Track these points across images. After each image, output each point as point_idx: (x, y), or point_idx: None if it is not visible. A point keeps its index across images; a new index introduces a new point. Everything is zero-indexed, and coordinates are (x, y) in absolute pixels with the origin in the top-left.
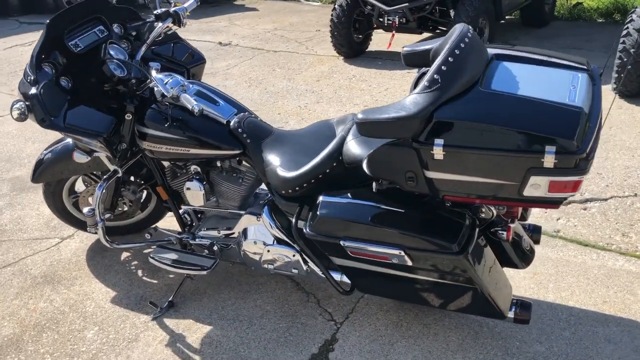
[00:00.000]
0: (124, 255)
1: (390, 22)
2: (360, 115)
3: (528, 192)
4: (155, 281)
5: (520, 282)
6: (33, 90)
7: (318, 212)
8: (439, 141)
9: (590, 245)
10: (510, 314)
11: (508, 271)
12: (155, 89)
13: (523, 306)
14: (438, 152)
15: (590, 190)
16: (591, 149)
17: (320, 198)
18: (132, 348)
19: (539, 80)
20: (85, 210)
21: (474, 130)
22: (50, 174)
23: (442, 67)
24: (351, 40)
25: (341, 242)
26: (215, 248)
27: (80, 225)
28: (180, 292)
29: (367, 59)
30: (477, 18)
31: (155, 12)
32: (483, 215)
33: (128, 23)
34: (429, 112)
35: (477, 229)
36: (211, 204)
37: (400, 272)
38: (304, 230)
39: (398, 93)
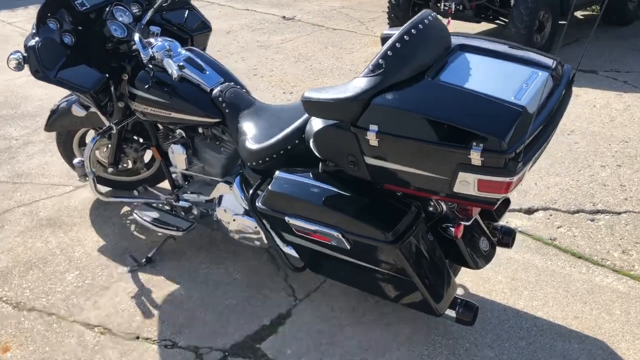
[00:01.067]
0: (125, 209)
1: (447, 8)
2: (305, 94)
3: (458, 188)
4: (143, 237)
5: (495, 286)
6: (32, 43)
7: (269, 187)
8: (373, 127)
9: (584, 258)
10: (452, 313)
11: (485, 271)
12: (141, 51)
13: (467, 307)
14: (372, 138)
15: (605, 201)
16: (527, 152)
17: (276, 173)
18: (101, 295)
19: (493, 74)
20: (75, 160)
21: (408, 119)
22: (60, 125)
23: (388, 52)
24: None
25: (286, 219)
26: (195, 212)
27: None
28: (161, 251)
29: None
30: (537, 11)
31: None
32: (431, 209)
33: None
34: (368, 97)
35: (420, 222)
36: (196, 169)
37: (340, 255)
38: (257, 203)
39: None
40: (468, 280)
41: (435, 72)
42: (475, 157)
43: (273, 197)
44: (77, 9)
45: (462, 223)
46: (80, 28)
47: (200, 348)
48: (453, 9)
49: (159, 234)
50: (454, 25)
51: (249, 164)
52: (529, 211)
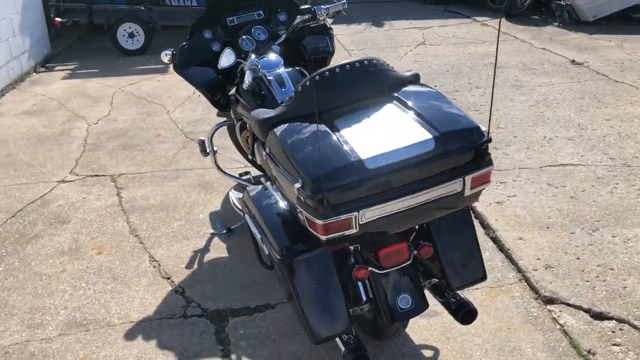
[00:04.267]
0: None
1: None
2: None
3: (302, 219)
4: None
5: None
6: (181, 45)
7: None
8: (267, 148)
9: None
10: (342, 346)
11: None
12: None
13: (354, 349)
14: (263, 156)
15: None
16: (356, 205)
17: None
18: (180, 242)
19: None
20: (199, 139)
21: (280, 150)
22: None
23: (299, 87)
24: None
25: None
26: None
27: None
28: (241, 228)
29: None
30: None
31: (301, 7)
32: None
33: (290, 12)
34: (270, 124)
35: (322, 249)
36: None
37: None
38: None
39: None
40: None
41: (334, 116)
42: (296, 192)
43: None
44: (226, 24)
45: (363, 266)
46: (229, 39)
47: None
48: None
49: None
50: None
51: None
52: (598, 316)
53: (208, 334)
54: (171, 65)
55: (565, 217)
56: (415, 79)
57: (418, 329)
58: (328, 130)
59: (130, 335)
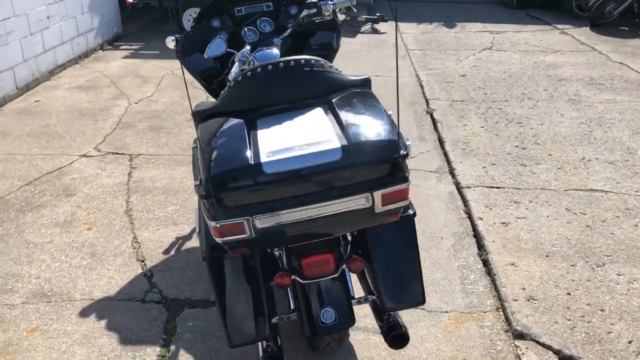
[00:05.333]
0: None
1: None
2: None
3: None
4: None
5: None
6: (186, 32)
7: None
8: (196, 140)
9: None
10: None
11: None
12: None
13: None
14: (194, 148)
15: None
16: (256, 209)
17: None
18: (158, 226)
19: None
20: None
21: (197, 144)
22: None
23: (231, 83)
24: None
25: None
26: None
27: None
28: None
29: None
30: None
31: (308, 0)
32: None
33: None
34: (202, 117)
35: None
36: None
37: None
38: None
39: None
40: None
41: (262, 115)
42: (195, 190)
43: None
44: (234, 14)
45: (286, 273)
46: (236, 30)
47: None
48: None
49: None
50: None
51: None
52: None
53: (158, 321)
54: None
55: (571, 247)
56: (363, 83)
57: (366, 346)
58: (244, 129)
59: (85, 312)
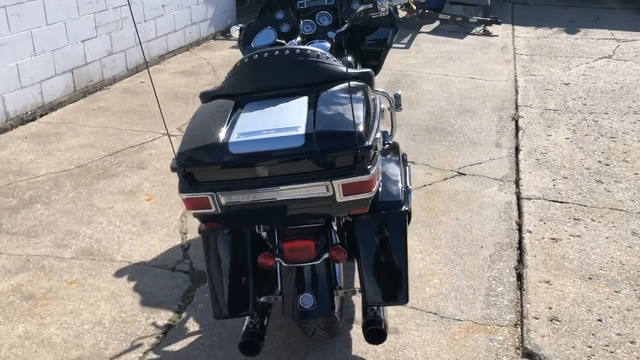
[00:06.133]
0: None
1: None
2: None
3: None
4: None
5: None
6: (250, 22)
7: None
8: None
9: None
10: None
11: None
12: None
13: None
14: None
15: None
16: (221, 186)
17: None
18: None
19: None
20: None
21: None
22: None
23: (233, 68)
24: None
25: None
26: None
27: None
28: None
29: None
30: None
31: None
32: None
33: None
34: (206, 98)
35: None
36: None
37: None
38: None
39: None
40: None
41: (254, 99)
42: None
43: None
44: (297, 7)
45: (270, 255)
46: (293, 23)
47: None
48: None
49: None
50: None
51: None
52: None
53: (180, 289)
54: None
55: (622, 273)
56: (362, 77)
57: (364, 341)
58: (230, 110)
59: (119, 273)
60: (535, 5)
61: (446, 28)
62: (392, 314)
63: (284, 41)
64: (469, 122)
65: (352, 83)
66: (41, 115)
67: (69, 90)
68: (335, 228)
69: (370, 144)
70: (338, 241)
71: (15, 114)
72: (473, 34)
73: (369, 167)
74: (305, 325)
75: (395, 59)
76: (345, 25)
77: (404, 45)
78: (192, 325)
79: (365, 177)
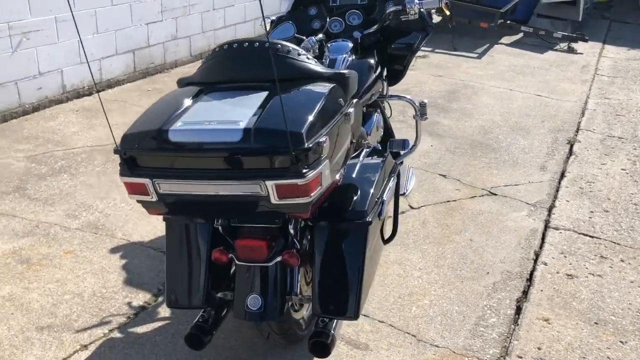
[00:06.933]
0: None
1: None
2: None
3: None
4: None
5: None
6: (280, 15)
7: None
8: None
9: None
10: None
11: None
12: None
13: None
14: None
15: None
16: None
17: None
18: None
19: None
20: None
21: None
22: None
23: (207, 56)
24: None
25: None
26: None
27: None
28: None
29: None
30: None
31: None
32: None
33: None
34: (181, 84)
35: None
36: None
37: None
38: None
39: None
40: None
41: (220, 89)
42: None
43: None
44: (328, 4)
45: (224, 250)
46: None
47: None
48: None
49: None
50: None
51: None
52: None
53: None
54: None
55: (637, 323)
56: (334, 77)
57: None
58: (188, 99)
59: (115, 250)
60: (637, 25)
61: (528, 41)
62: (367, 328)
63: (304, 37)
64: (519, 141)
65: (321, 83)
66: (98, 92)
67: (128, 70)
68: (292, 231)
69: (308, 146)
70: (298, 246)
71: (72, 87)
72: (555, 50)
73: (304, 170)
74: (258, 326)
75: (463, 68)
76: (374, 27)
77: (476, 55)
78: (164, 311)
79: (299, 181)
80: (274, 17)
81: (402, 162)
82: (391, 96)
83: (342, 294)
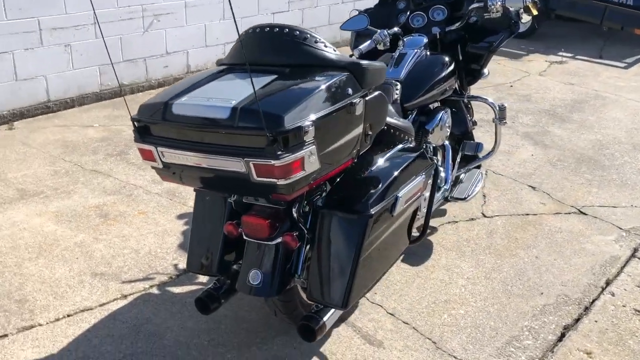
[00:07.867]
0: None
1: None
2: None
3: None
4: None
5: None
6: (368, 7)
7: None
8: None
9: None
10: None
11: None
12: None
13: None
14: None
15: None
16: (159, 140)
17: None
18: None
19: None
20: None
21: None
22: None
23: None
24: None
25: None
26: None
27: None
28: None
29: None
30: None
31: None
32: None
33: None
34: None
35: None
36: None
37: None
38: None
39: None
40: None
41: (234, 70)
42: None
43: None
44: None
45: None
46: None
47: None
48: None
49: None
50: None
51: None
52: None
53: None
54: None
55: None
56: (348, 67)
57: (340, 342)
58: (209, 78)
59: (182, 216)
60: None
61: None
62: (388, 327)
63: (377, 30)
64: (638, 161)
65: (333, 72)
66: None
67: None
68: (295, 215)
69: (286, 129)
70: (305, 230)
71: (196, 67)
72: None
73: (279, 152)
74: (266, 303)
75: (602, 78)
76: (457, 24)
77: (623, 65)
78: (202, 277)
79: (275, 162)
80: (360, 10)
81: (479, 166)
82: (470, 96)
83: (332, 283)
